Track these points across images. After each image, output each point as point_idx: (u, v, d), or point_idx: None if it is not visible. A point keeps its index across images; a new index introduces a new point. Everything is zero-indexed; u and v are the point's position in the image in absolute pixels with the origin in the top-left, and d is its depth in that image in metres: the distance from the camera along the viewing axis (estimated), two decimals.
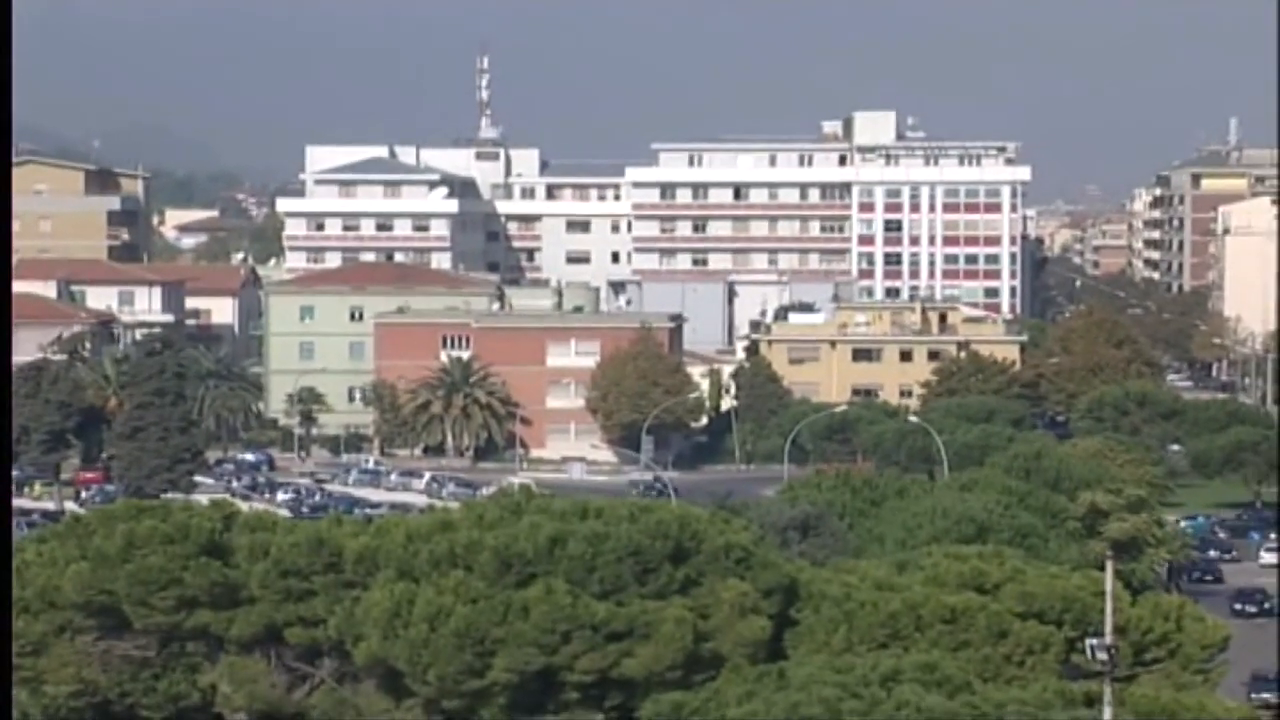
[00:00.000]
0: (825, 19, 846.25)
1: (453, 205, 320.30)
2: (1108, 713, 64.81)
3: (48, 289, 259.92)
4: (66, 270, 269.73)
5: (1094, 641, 75.93)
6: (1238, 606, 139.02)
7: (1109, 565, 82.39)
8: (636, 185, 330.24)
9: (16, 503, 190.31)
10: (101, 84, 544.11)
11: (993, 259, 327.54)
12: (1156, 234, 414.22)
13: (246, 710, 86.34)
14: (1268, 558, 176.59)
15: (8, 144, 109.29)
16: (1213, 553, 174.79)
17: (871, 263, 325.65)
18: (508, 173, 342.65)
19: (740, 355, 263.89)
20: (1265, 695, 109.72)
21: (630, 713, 71.77)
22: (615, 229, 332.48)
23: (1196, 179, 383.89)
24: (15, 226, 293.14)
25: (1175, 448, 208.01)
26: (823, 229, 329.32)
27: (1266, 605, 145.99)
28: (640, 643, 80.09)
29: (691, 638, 79.93)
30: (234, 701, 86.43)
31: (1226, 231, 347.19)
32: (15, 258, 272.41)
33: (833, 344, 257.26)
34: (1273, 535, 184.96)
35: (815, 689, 66.13)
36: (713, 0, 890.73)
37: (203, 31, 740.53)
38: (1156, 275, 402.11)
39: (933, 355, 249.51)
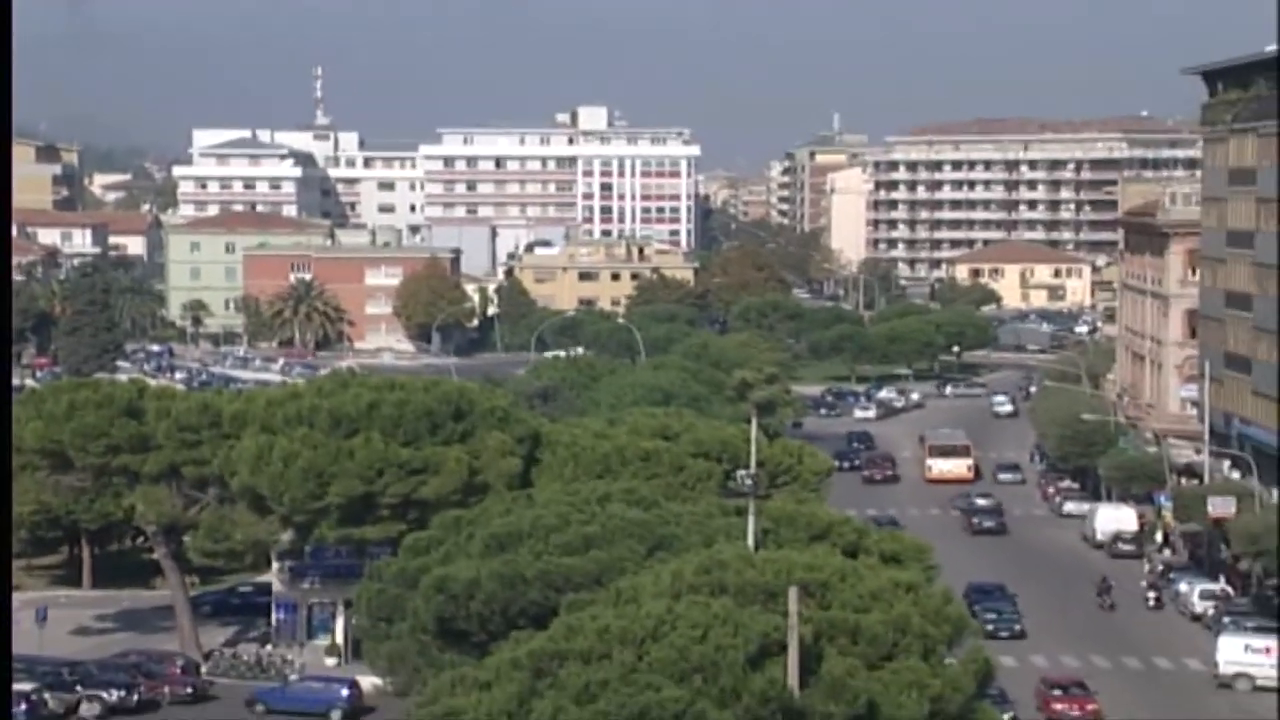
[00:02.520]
0: (559, 35, 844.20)
1: (297, 172, 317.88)
2: (751, 519, 65.48)
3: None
4: (23, 217, 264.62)
5: (742, 472, 76.70)
6: (839, 464, 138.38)
7: (753, 420, 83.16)
8: (427, 158, 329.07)
9: None
10: (46, 81, 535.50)
11: (674, 210, 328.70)
12: (786, 192, 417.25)
13: (156, 523, 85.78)
14: (859, 413, 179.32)
15: (8, 149, 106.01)
16: (822, 411, 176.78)
17: (591, 213, 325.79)
18: (336, 148, 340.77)
19: (500, 277, 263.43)
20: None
21: (424, 524, 71.81)
22: (413, 188, 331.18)
23: (812, 154, 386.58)
24: None
25: (797, 340, 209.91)
26: (557, 189, 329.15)
27: (856, 462, 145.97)
28: (432, 476, 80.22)
29: (467, 472, 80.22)
30: (147, 517, 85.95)
31: (833, 191, 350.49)
32: None
33: (564, 269, 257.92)
34: (864, 397, 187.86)
35: (552, 507, 66.42)
36: (480, 20, 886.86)
37: (120, 43, 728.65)
38: (786, 220, 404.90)
39: (634, 276, 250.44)
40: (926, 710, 50.69)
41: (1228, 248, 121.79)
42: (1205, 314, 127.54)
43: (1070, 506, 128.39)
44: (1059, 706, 75.46)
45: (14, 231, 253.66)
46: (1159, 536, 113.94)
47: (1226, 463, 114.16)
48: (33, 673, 77.86)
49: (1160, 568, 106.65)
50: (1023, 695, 75.88)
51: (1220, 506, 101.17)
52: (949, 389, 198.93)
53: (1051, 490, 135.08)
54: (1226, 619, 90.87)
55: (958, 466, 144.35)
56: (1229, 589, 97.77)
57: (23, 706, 73.59)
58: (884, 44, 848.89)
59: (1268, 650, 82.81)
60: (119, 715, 76.36)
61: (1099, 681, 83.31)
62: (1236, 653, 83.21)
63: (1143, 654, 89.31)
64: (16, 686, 75.66)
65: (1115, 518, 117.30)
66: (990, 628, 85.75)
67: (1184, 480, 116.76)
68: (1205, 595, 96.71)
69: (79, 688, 77.20)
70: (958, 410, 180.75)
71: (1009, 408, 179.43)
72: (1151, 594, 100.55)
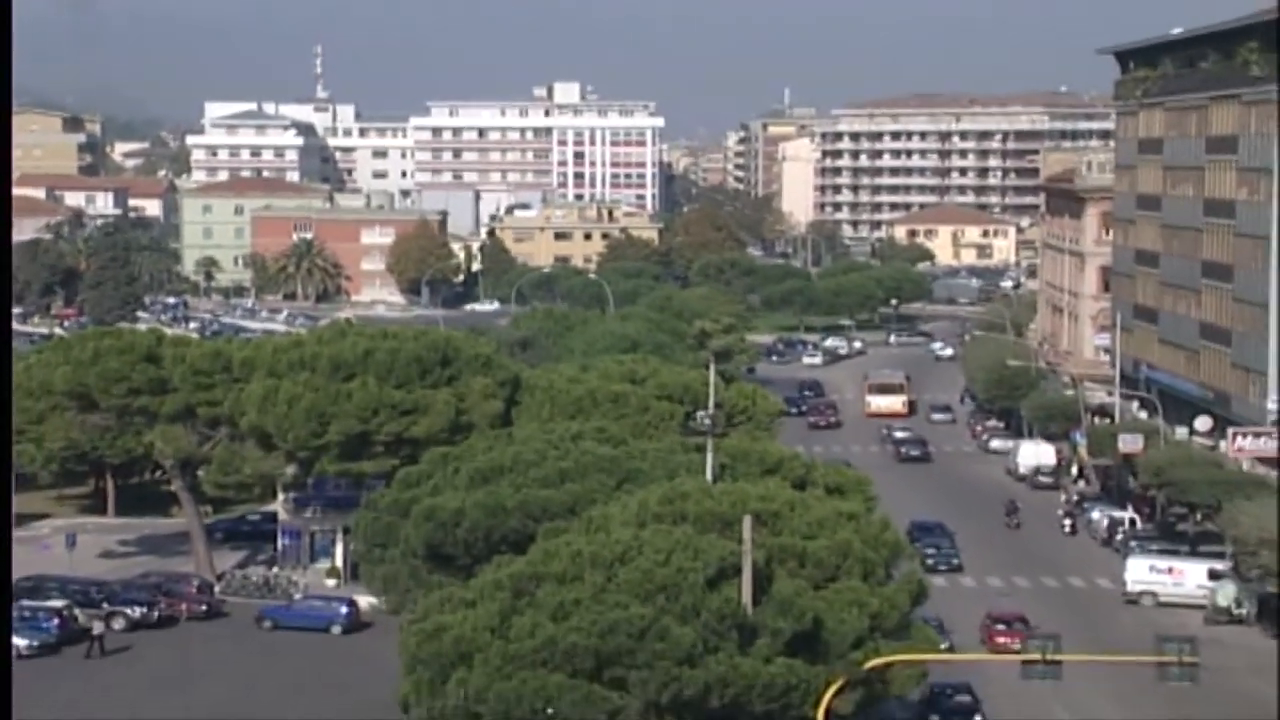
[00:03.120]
0: (537, 14, 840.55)
1: (299, 141, 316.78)
2: (710, 455, 65.75)
3: (39, 193, 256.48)
4: (51, 181, 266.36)
5: (701, 412, 76.99)
6: (789, 410, 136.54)
7: (711, 366, 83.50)
8: (416, 128, 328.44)
9: (23, 328, 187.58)
10: (73, 59, 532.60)
11: (640, 176, 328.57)
12: (741, 160, 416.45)
13: (173, 458, 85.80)
14: (807, 360, 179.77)
15: (8, 148, 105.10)
16: (773, 358, 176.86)
17: (565, 178, 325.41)
18: (334, 120, 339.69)
19: (483, 236, 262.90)
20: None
21: (415, 460, 71.93)
22: (403, 156, 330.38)
23: (765, 126, 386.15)
24: (17, 154, 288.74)
25: (751, 293, 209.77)
26: (535, 156, 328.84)
27: (803, 409, 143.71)
28: (422, 416, 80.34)
29: (454, 413, 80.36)
30: (165, 453, 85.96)
31: (783, 159, 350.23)
32: (17, 173, 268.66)
33: (541, 229, 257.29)
34: (811, 345, 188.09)
35: (531, 443, 66.55)
36: (467, 2, 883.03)
37: (140, 22, 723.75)
38: (741, 186, 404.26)
39: (604, 236, 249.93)
40: (866, 626, 51.07)
41: (1138, 210, 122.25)
42: (1117, 270, 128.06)
43: (996, 443, 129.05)
44: (1002, 640, 73.66)
45: (43, 194, 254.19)
46: (1074, 470, 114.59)
47: (1135, 404, 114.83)
48: (64, 591, 78.45)
49: (1075, 498, 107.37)
50: (954, 614, 76.11)
51: (1129, 443, 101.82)
52: (893, 337, 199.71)
53: (979, 429, 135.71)
54: (1133, 543, 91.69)
55: (893, 402, 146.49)
56: (1136, 517, 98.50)
57: (55, 621, 73.99)
58: (831, 23, 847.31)
59: (1170, 570, 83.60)
60: (141, 630, 76.61)
61: (1020, 599, 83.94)
62: (1143, 573, 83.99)
63: (1059, 574, 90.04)
64: (50, 603, 76.19)
65: (1036, 453, 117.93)
66: (930, 561, 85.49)
67: (1097, 419, 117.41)
68: (1114, 522, 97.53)
69: (105, 605, 77.55)
70: (900, 356, 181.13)
71: (949, 351, 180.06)
72: (1067, 521, 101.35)
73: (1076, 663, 64.15)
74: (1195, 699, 64.39)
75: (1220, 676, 68.90)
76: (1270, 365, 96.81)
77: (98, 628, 73.23)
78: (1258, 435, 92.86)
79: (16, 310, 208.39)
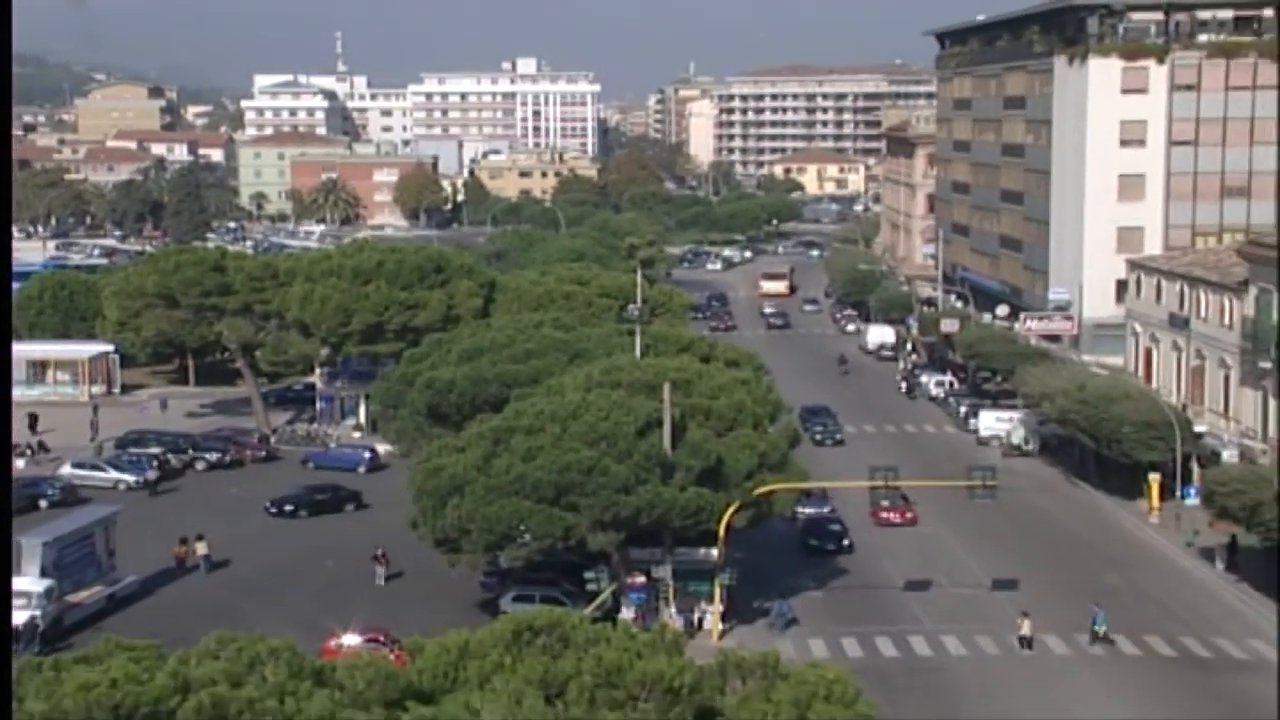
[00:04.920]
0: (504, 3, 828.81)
1: (325, 104, 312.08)
2: (639, 338, 65.80)
3: (131, 145, 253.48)
4: (140, 136, 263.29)
5: (632, 306, 76.91)
6: (697, 315, 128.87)
7: (639, 271, 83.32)
8: (414, 93, 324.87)
9: (122, 247, 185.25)
10: (154, 42, 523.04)
11: (583, 128, 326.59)
12: (659, 116, 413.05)
13: (237, 343, 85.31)
14: (710, 266, 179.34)
15: (7, 147, 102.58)
16: (685, 265, 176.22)
17: (527, 131, 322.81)
18: (351, 87, 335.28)
19: (466, 175, 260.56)
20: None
21: (417, 343, 71.73)
22: (404, 114, 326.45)
23: (676, 90, 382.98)
24: (113, 116, 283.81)
25: (668, 217, 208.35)
26: (503, 114, 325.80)
27: (707, 314, 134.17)
28: (422, 310, 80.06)
29: (445, 308, 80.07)
30: (229, 339, 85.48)
31: (690, 115, 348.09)
32: (114, 131, 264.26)
33: (509, 170, 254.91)
34: (714, 255, 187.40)
35: (504, 330, 66.26)
36: None
37: (205, 13, 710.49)
38: (659, 135, 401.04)
39: (557, 174, 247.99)
40: (755, 462, 51.54)
41: (954, 152, 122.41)
42: (939, 197, 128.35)
43: (851, 327, 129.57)
44: (885, 515, 67.32)
45: (135, 145, 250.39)
46: (909, 346, 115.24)
47: (953, 296, 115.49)
48: (160, 441, 79.07)
49: (910, 367, 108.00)
50: (838, 471, 76.30)
51: (948, 325, 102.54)
52: (781, 247, 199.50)
53: (839, 316, 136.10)
54: (952, 400, 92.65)
55: (779, 286, 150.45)
56: (954, 380, 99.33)
57: (154, 464, 74.18)
58: (727, 11, 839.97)
59: (1010, 419, 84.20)
60: (217, 470, 76.97)
61: (876, 441, 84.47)
62: (991, 422, 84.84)
63: (898, 424, 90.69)
64: (149, 450, 76.23)
65: (880, 334, 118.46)
66: (819, 438, 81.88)
67: (925, 308, 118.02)
68: (938, 384, 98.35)
69: (190, 451, 77.75)
70: (783, 260, 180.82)
71: (828, 253, 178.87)
72: (904, 384, 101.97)
73: (910, 487, 64.95)
74: (996, 510, 65.45)
75: (1014, 495, 70.02)
76: (1050, 266, 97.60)
77: (152, 475, 73.30)
78: (1041, 318, 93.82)
79: (117, 233, 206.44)
